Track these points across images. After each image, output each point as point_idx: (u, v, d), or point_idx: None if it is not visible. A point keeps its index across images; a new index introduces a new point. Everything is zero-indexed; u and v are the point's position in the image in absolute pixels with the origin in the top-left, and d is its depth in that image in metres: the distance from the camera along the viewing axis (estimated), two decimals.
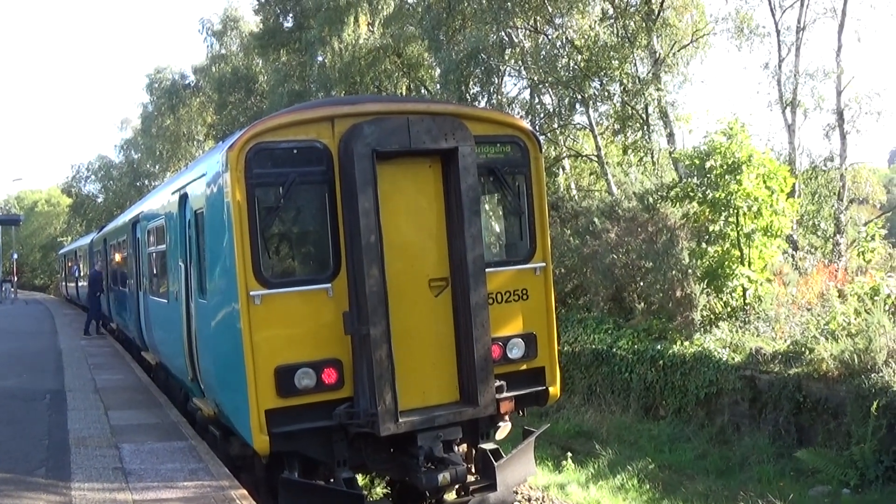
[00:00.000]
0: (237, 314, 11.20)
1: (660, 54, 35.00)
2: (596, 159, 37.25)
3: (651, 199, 27.69)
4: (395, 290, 11.49)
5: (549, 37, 37.69)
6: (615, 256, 27.46)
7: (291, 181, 11.33)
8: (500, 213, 13.62)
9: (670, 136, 34.95)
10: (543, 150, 13.35)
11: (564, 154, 39.30)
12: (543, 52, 37.31)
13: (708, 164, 24.15)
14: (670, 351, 22.94)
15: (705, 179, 24.66)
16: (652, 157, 35.83)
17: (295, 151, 11.49)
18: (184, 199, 14.67)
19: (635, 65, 36.05)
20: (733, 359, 21.15)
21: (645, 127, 36.30)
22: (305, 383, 11.27)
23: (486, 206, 13.26)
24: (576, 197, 36.73)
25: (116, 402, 18.10)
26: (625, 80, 36.03)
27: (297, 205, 11.72)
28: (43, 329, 38.24)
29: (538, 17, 37.60)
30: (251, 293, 11.08)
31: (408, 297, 11.78)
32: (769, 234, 24.28)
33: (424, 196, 12.06)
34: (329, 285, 11.45)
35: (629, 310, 27.03)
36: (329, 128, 11.65)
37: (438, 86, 42.71)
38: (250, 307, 11.08)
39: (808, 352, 19.35)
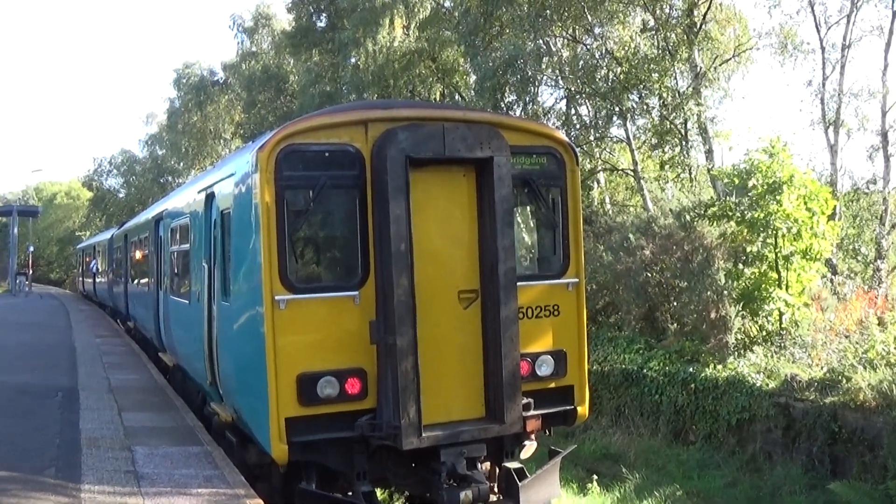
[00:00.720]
0: (261, 318, 11.20)
1: (701, 68, 34.89)
2: (632, 174, 37.16)
3: (688, 217, 27.60)
4: (424, 300, 11.45)
5: (588, 47, 37.68)
6: (649, 274, 27.39)
7: (322, 185, 11.32)
8: (534, 225, 13.57)
9: (709, 152, 34.82)
10: (580, 163, 13.32)
11: (600, 167, 39.25)
12: (581, 63, 37.29)
13: (750, 183, 24.04)
14: (703, 374, 22.84)
15: (744, 198, 24.55)
16: (690, 174, 35.75)
17: (327, 154, 11.50)
18: (210, 198, 14.70)
19: (675, 78, 35.96)
20: (767, 385, 21.03)
21: (683, 142, 36.21)
22: (328, 392, 11.24)
23: (520, 219, 13.22)
24: (610, 212, 36.68)
25: (131, 402, 18.11)
26: (664, 94, 35.96)
27: (327, 209, 11.73)
28: (57, 324, 38.35)
29: (577, 27, 37.61)
30: (276, 297, 11.07)
31: (436, 307, 11.74)
32: (808, 257, 24.15)
33: (457, 205, 12.03)
34: (356, 293, 11.43)
35: (661, 330, 26.95)
36: (362, 132, 11.64)
37: (473, 93, 42.73)
38: (275, 312, 11.08)
39: (845, 380, 19.20)
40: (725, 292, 24.27)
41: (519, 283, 12.00)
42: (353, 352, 11.41)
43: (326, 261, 12.20)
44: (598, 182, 39.76)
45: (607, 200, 39.11)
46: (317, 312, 11.33)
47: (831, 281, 26.79)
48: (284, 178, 11.26)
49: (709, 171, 33.02)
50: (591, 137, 38.62)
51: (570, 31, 37.90)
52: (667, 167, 37.73)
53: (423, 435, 11.26)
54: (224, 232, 13.59)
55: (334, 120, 11.75)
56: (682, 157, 36.60)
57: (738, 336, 23.88)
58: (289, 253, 11.27)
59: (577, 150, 13.36)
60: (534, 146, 12.72)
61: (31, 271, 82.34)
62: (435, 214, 11.89)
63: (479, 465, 12.26)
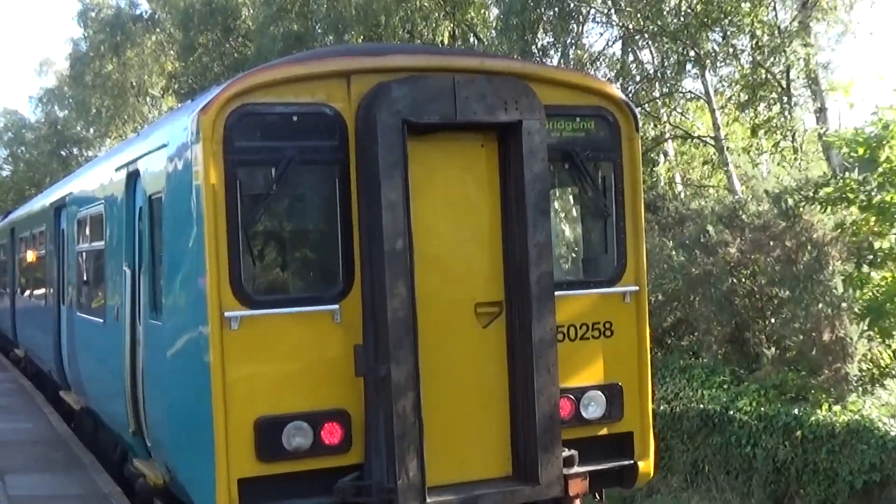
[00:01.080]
0: (205, 343, 11.26)
1: None
2: (712, 142, 37.21)
3: (791, 201, 27.59)
4: (429, 316, 11.55)
5: None
6: (736, 280, 27.43)
7: (289, 160, 11.37)
8: (578, 214, 13.69)
9: (821, 111, 34.84)
10: (641, 129, 13.40)
11: (668, 134, 39.29)
12: None
13: (882, 155, 24.05)
14: (813, 418, 22.86)
15: (872, 175, 24.56)
16: (794, 142, 35.75)
17: (295, 119, 11.57)
18: (133, 178, 14.80)
19: (774, 9, 35.99)
20: None
21: (785, 98, 36.21)
22: (298, 443, 11.30)
23: (559, 205, 13.33)
24: (682, 195, 36.73)
25: (19, 461, 18.14)
26: (758, 31, 35.94)
27: (296, 193, 11.84)
28: None
29: None
30: (226, 314, 11.11)
31: (445, 326, 11.85)
32: None
33: (473, 187, 12.13)
34: (336, 307, 11.50)
35: (754, 356, 26.97)
36: (343, 87, 11.72)
37: (494, 33, 42.81)
38: (224, 334, 11.13)
39: None
40: (844, 304, 24.27)
41: (558, 293, 12.09)
42: (331, 387, 11.50)
43: (295, 264, 12.32)
44: (666, 154, 39.83)
45: (678, 179, 39.16)
46: (282, 334, 11.41)
47: None
48: (237, 151, 11.30)
49: (821, 136, 33.09)
50: (657, 93, 38.68)
51: None
52: (761, 133, 37.69)
53: (428, 500, 11.33)
54: (153, 225, 13.70)
55: (305, 71, 11.82)
56: (782, 119, 36.60)
57: (864, 365, 23.90)
58: (243, 253, 11.33)
59: (638, 110, 13.46)
60: (578, 106, 12.83)
61: None
62: (443, 200, 12.01)
63: None
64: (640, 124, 13.52)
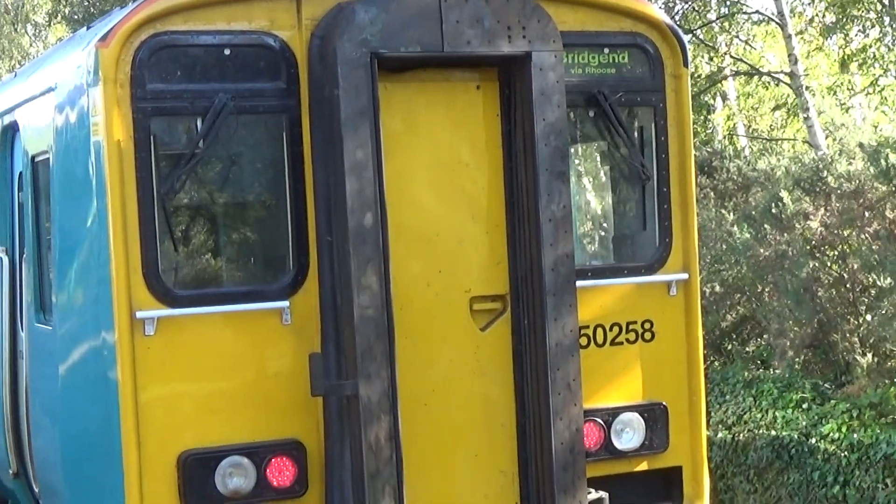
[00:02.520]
0: (111, 354, 11.25)
1: None
2: (787, 80, 37.26)
3: (894, 158, 27.66)
4: (409, 316, 11.66)
5: None
6: (819, 265, 27.48)
7: (219, 109, 11.32)
8: (607, 178, 13.77)
9: None
10: (690, 63, 13.44)
11: (728, 70, 39.29)
12: None
13: None
14: None
15: None
16: None
17: (227, 52, 11.55)
18: (10, 133, 14.79)
19: None
20: None
21: (887, 19, 36.23)
22: (236, 484, 11.35)
23: (581, 166, 13.40)
24: (747, 151, 36.73)
25: None
26: None
27: (230, 153, 11.93)
28: None
29: None
30: (139, 314, 11.10)
31: (431, 329, 11.96)
32: None
33: (467, 144, 12.22)
34: (285, 304, 11.56)
35: (843, 366, 27.01)
36: (292, 10, 11.73)
37: None
38: (136, 341, 11.12)
39: None
40: None
41: (580, 284, 12.17)
42: (280, 411, 11.57)
43: (231, 248, 12.43)
44: (725, 98, 39.85)
45: (741, 130, 39.19)
46: (213, 341, 11.47)
47: None
48: (150, 96, 11.27)
49: None
50: (713, 14, 38.71)
51: None
52: (853, 67, 37.73)
53: None
54: (38, 196, 13.72)
55: None
56: (882, 48, 36.66)
57: None
58: (160, 233, 11.34)
59: (687, 37, 13.53)
60: (607, 32, 12.90)
61: None
62: (427, 160, 12.08)
63: None
64: (691, 56, 13.57)
